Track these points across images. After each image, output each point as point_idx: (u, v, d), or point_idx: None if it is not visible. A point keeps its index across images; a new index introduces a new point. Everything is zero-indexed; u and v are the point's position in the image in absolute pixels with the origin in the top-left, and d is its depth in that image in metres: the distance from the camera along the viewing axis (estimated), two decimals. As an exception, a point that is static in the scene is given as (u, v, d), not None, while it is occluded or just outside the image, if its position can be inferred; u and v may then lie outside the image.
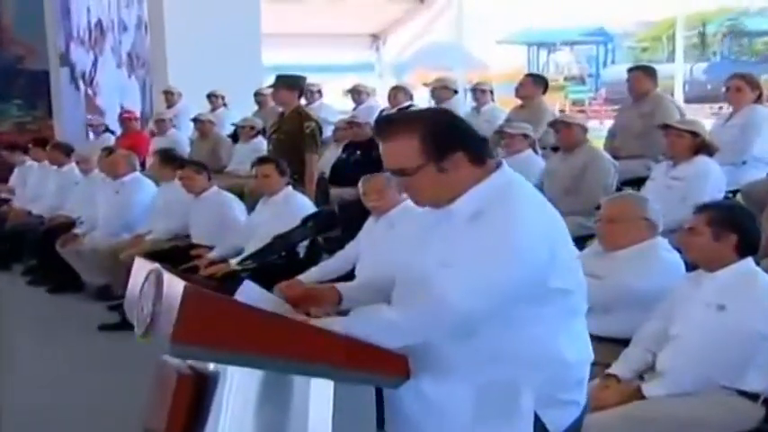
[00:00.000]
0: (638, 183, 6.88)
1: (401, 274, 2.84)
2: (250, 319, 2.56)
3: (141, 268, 2.90)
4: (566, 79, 24.77)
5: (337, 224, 3.11)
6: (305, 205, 6.95)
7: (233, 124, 11.14)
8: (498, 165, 2.77)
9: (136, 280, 2.88)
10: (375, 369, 2.63)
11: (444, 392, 2.71)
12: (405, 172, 2.69)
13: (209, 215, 7.51)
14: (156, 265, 2.75)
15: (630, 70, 7.82)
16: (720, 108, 18.35)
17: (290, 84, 8.06)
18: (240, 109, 11.81)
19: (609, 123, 10.17)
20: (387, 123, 2.80)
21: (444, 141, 2.67)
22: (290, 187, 7.04)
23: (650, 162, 7.43)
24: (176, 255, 7.31)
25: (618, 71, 23.78)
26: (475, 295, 2.57)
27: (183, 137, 11.73)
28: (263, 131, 10.42)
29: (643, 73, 7.72)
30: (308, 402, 2.66)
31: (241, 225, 7.29)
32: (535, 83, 8.71)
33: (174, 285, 2.57)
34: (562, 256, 2.69)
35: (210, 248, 7.30)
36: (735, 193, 6.37)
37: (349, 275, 6.05)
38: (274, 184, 6.96)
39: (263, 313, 2.66)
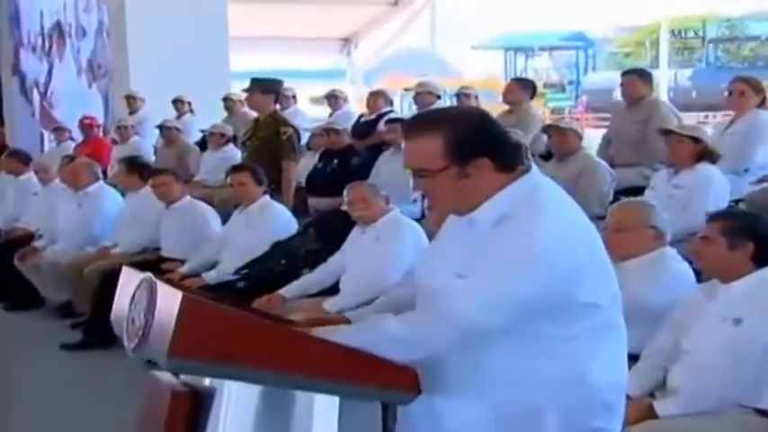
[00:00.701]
0: (633, 192, 6.86)
1: (420, 287, 2.82)
2: (253, 331, 2.52)
3: (130, 278, 2.86)
4: (545, 86, 24.90)
5: (343, 230, 3.05)
6: (283, 216, 6.89)
7: (202, 131, 11.07)
8: (527, 169, 2.74)
9: (125, 290, 2.83)
10: (384, 384, 2.60)
11: (460, 413, 2.67)
12: (424, 173, 2.67)
13: (183, 226, 7.45)
14: (148, 274, 2.71)
15: (625, 74, 7.83)
16: (707, 117, 18.50)
17: (266, 88, 8.03)
18: (207, 115, 11.77)
19: (590, 133, 10.21)
20: (414, 120, 2.82)
21: (471, 145, 2.65)
22: (267, 197, 6.99)
23: (646, 170, 7.43)
24: (145, 269, 7.15)
25: (600, 78, 24.01)
26: (488, 308, 2.54)
27: (146, 145, 11.68)
28: (233, 139, 10.35)
29: (638, 77, 7.73)
30: (311, 420, 2.62)
31: (216, 237, 7.22)
32: (522, 87, 8.72)
33: (170, 295, 2.54)
34: (591, 267, 2.65)
35: (182, 262, 7.22)
36: (737, 202, 6.37)
37: (332, 289, 6.02)
38: (251, 194, 6.91)
39: (267, 325, 2.64)
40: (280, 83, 8.29)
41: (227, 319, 2.53)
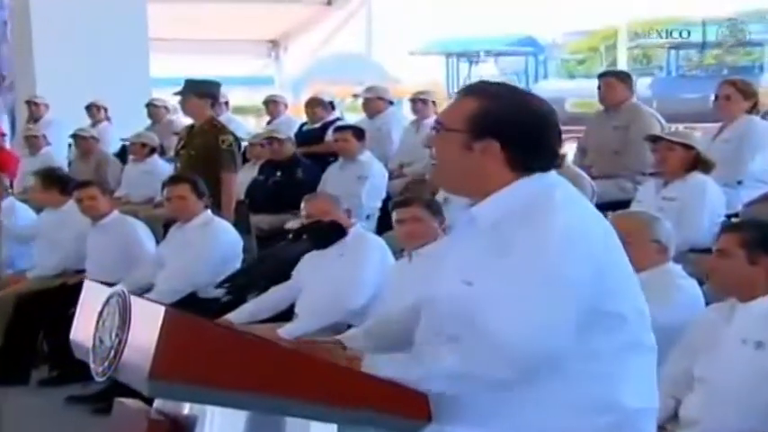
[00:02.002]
0: (613, 207, 6.84)
1: (425, 291, 2.84)
2: (247, 351, 2.50)
3: (94, 293, 2.83)
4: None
5: (340, 237, 3.01)
6: (228, 233, 6.84)
7: (123, 140, 10.90)
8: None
9: (88, 307, 2.80)
10: (390, 411, 2.57)
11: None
12: (440, 124, 2.77)
13: (111, 245, 7.30)
14: (120, 288, 2.68)
15: (602, 76, 7.87)
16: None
17: (202, 91, 7.95)
18: (125, 123, 11.64)
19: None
20: (477, 83, 2.93)
21: (492, 124, 2.69)
22: (209, 211, 6.90)
23: (626, 183, 7.44)
24: (66, 294, 7.04)
25: (552, 87, 24.14)
26: (549, 331, 2.54)
27: (58, 156, 11.46)
28: (160, 149, 10.21)
29: (617, 79, 7.77)
30: (305, 451, 2.60)
31: (149, 257, 7.07)
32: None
33: (148, 311, 2.52)
34: (613, 275, 2.65)
35: (111, 285, 7.03)
36: (730, 217, 6.37)
37: (287, 313, 5.92)
38: (191, 208, 6.81)
39: (262, 344, 2.62)
40: (217, 85, 8.21)
41: (216, 337, 2.50)
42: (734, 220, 6.17)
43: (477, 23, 28.00)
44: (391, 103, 9.87)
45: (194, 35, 19.07)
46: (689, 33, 24.68)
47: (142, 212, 8.97)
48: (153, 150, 10.40)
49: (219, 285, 2.82)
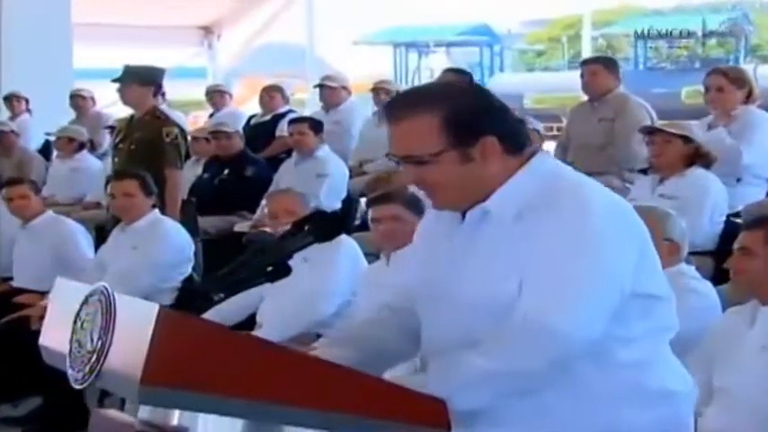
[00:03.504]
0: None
1: (426, 294, 2.83)
2: (251, 354, 2.48)
3: (68, 291, 2.81)
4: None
5: (346, 228, 2.97)
6: (178, 235, 6.78)
7: (47, 134, 10.78)
8: (535, 151, 2.77)
9: (61, 308, 2.78)
10: (406, 419, 2.56)
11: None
12: (420, 160, 2.66)
13: (44, 249, 7.19)
14: (102, 284, 2.62)
15: (585, 63, 7.91)
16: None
17: (144, 78, 7.85)
18: (46, 116, 11.61)
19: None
20: (400, 98, 2.85)
21: (473, 123, 2.67)
22: (156, 211, 6.84)
23: (612, 179, 7.45)
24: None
25: (509, 81, 24.24)
26: (585, 318, 2.55)
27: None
28: (90, 144, 10.11)
29: (602, 66, 7.79)
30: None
31: (88, 262, 6.97)
32: (458, 80, 8.68)
33: (137, 310, 2.49)
34: (649, 253, 2.73)
35: (43, 294, 6.95)
36: (732, 216, 6.41)
37: (248, 323, 5.87)
38: (139, 207, 6.73)
39: (267, 347, 2.61)
40: (161, 72, 8.10)
41: (217, 339, 2.47)
42: (737, 219, 6.22)
43: (427, 11, 28.12)
44: (349, 92, 9.84)
45: (118, 20, 18.87)
46: (654, 23, 24.92)
47: (70, 215, 8.82)
48: (81, 146, 10.30)
49: (216, 280, 2.75)
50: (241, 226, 8.50)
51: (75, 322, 2.62)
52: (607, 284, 2.57)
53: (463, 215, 2.76)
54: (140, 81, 7.80)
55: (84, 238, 7.32)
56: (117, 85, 7.97)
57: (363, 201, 8.66)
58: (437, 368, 2.66)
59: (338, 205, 8.42)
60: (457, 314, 2.72)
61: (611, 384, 2.65)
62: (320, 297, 5.70)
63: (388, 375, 2.94)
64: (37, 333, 6.47)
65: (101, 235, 7.68)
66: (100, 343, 2.50)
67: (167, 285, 6.63)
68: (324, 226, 2.94)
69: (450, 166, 2.65)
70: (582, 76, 7.80)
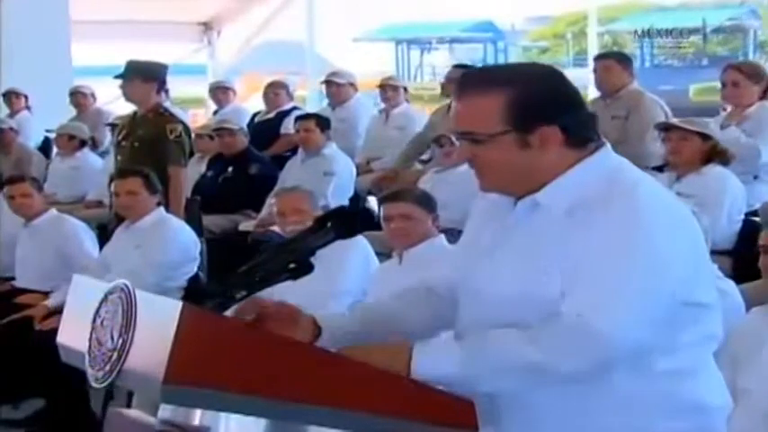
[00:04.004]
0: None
1: (466, 280, 2.81)
2: (278, 352, 2.49)
3: (86, 289, 2.82)
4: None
5: (373, 223, 2.94)
6: (183, 234, 6.76)
7: (48, 131, 10.74)
8: (599, 146, 2.73)
9: (79, 306, 2.78)
10: (433, 419, 2.54)
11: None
12: (475, 138, 2.66)
13: (47, 248, 7.15)
14: (123, 281, 2.62)
15: (598, 58, 7.86)
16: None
17: (147, 74, 7.82)
18: (46, 113, 11.62)
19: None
20: (473, 73, 2.87)
21: (538, 109, 2.64)
22: (161, 209, 6.82)
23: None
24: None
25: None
26: (636, 323, 2.53)
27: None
28: (91, 141, 10.08)
29: (615, 61, 7.76)
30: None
31: (92, 261, 6.94)
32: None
33: (160, 307, 2.49)
34: (699, 260, 2.68)
35: (45, 294, 6.93)
36: (750, 215, 6.38)
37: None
38: (143, 205, 6.72)
39: (295, 345, 2.61)
40: (164, 68, 8.07)
41: (243, 337, 2.49)
42: (755, 218, 6.18)
43: (429, 7, 28.04)
44: (356, 88, 9.82)
45: (116, 16, 18.83)
46: (660, 19, 24.87)
47: (72, 214, 8.78)
48: (82, 143, 10.27)
49: (238, 278, 2.71)
50: (246, 225, 8.48)
51: (94, 320, 2.62)
52: (659, 291, 2.54)
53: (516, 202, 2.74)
54: (143, 77, 7.77)
55: (88, 238, 7.27)
56: (117, 82, 7.97)
57: (370, 199, 8.67)
58: (477, 341, 2.61)
59: (345, 203, 8.37)
60: (492, 304, 2.69)
61: (646, 392, 2.62)
62: (330, 297, 5.66)
63: None
64: (39, 333, 6.55)
65: (103, 234, 7.63)
66: (121, 341, 2.50)
67: (172, 285, 6.58)
68: (346, 222, 2.90)
69: (506, 149, 2.64)
70: (594, 71, 7.78)
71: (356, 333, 2.85)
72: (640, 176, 2.70)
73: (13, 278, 7.43)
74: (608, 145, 2.74)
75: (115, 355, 2.50)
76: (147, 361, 2.42)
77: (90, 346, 2.60)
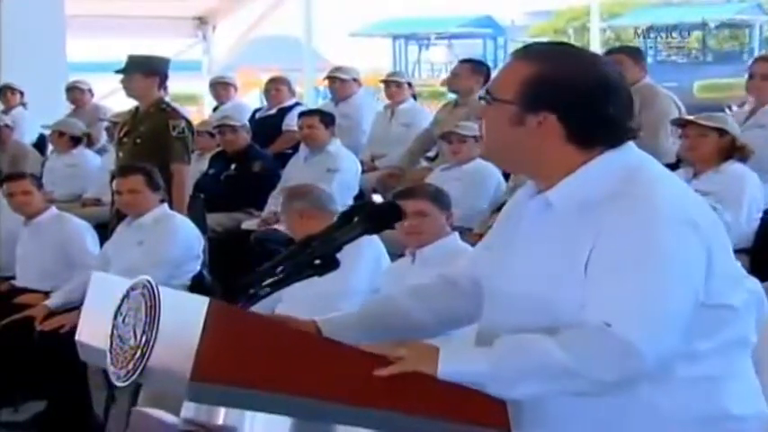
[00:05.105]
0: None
1: (486, 287, 2.81)
2: (306, 349, 2.49)
3: (106, 286, 2.84)
4: (444, 84, 24.92)
5: (400, 218, 2.92)
6: (187, 229, 6.74)
7: (44, 127, 10.69)
8: (615, 145, 2.69)
9: (99, 303, 2.79)
10: (465, 419, 2.54)
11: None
12: (488, 94, 2.74)
13: (48, 247, 7.12)
14: (146, 278, 2.62)
15: (610, 53, 7.83)
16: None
17: (148, 68, 7.78)
18: (41, 110, 11.57)
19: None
20: (526, 46, 2.91)
21: (549, 94, 2.64)
22: (165, 206, 6.79)
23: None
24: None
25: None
26: (666, 330, 2.49)
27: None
28: (87, 138, 10.06)
29: (627, 56, 7.73)
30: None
31: (93, 259, 6.91)
32: (475, 71, 8.67)
33: (185, 303, 2.52)
34: (722, 260, 2.63)
35: (46, 294, 6.90)
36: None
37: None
38: (145, 203, 6.69)
39: (324, 342, 2.63)
40: (165, 62, 8.04)
41: (271, 334, 2.48)
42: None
43: (427, 1, 28.05)
44: (359, 83, 9.79)
45: (110, 11, 18.81)
46: (664, 14, 24.86)
47: (69, 212, 8.76)
48: (77, 140, 10.24)
49: (260, 274, 2.68)
50: (249, 224, 8.45)
51: (115, 317, 2.62)
52: (684, 294, 2.51)
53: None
54: (144, 72, 7.73)
55: (90, 236, 7.24)
56: (111, 77, 7.97)
57: (375, 197, 8.64)
58: (506, 344, 2.56)
59: (350, 202, 8.34)
60: (507, 304, 2.69)
61: (666, 401, 2.58)
62: (339, 296, 5.63)
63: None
64: (40, 334, 6.51)
65: (102, 233, 7.59)
66: (144, 338, 2.50)
67: (176, 282, 6.52)
68: (374, 217, 2.87)
69: (501, 118, 2.67)
70: (607, 65, 7.72)
71: (357, 329, 2.89)
72: (660, 174, 2.67)
73: (12, 277, 7.40)
74: (630, 143, 2.70)
75: (138, 352, 2.50)
76: (171, 358, 2.42)
77: (112, 344, 2.60)
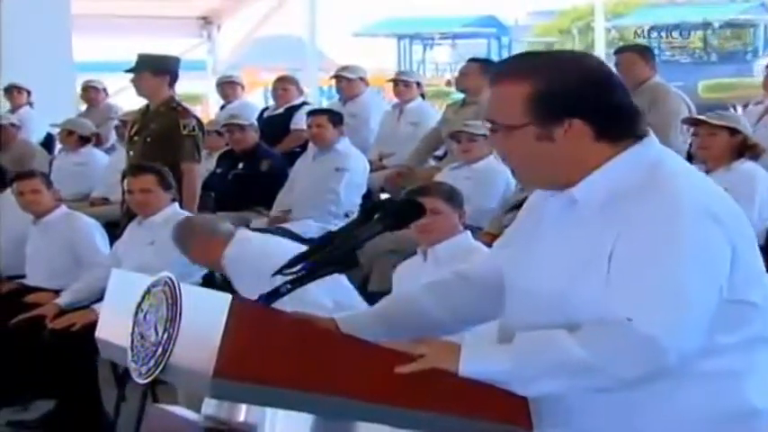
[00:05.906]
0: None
1: (508, 284, 2.79)
2: (328, 346, 2.49)
3: (127, 282, 2.85)
4: (449, 84, 24.86)
5: (421, 215, 2.91)
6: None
7: (53, 125, 10.69)
8: (641, 137, 2.69)
9: (119, 300, 2.80)
10: (487, 416, 2.54)
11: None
12: (495, 127, 2.68)
13: (58, 245, 7.11)
14: (167, 274, 2.65)
15: (619, 51, 7.83)
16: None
17: (158, 67, 7.77)
18: (47, 109, 11.56)
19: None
20: (506, 61, 2.90)
21: (562, 102, 2.61)
22: (176, 205, 6.78)
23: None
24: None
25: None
26: (688, 325, 2.48)
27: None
28: (96, 138, 10.06)
29: (638, 54, 7.74)
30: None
31: (103, 258, 6.90)
32: (483, 71, 8.64)
33: (207, 300, 2.52)
34: (746, 255, 2.61)
35: (56, 293, 6.89)
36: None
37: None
38: (157, 202, 6.67)
39: (346, 339, 2.62)
40: (176, 61, 8.03)
41: (294, 331, 2.47)
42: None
43: (431, 1, 28.05)
44: (366, 82, 9.79)
45: (115, 10, 18.82)
46: (671, 13, 24.83)
47: (79, 211, 8.76)
48: (86, 139, 10.23)
49: (281, 272, 2.68)
50: (257, 223, 8.43)
51: (136, 314, 2.62)
52: (706, 289, 2.50)
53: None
54: (154, 70, 7.72)
55: (99, 235, 7.23)
56: (118, 77, 7.96)
57: (383, 196, 8.64)
58: (527, 340, 2.56)
59: (358, 201, 8.34)
60: (530, 301, 2.68)
61: (685, 396, 2.57)
62: (351, 300, 5.64)
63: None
64: (51, 333, 6.51)
65: (110, 232, 7.59)
66: (166, 335, 2.50)
67: (187, 281, 6.52)
68: (394, 214, 2.87)
69: (526, 141, 2.63)
70: (616, 65, 7.74)
71: (368, 334, 2.80)
72: (682, 169, 2.67)
73: (22, 276, 7.39)
74: (651, 136, 2.70)
75: (160, 349, 2.50)
76: (193, 355, 2.42)
77: (132, 341, 2.60)
